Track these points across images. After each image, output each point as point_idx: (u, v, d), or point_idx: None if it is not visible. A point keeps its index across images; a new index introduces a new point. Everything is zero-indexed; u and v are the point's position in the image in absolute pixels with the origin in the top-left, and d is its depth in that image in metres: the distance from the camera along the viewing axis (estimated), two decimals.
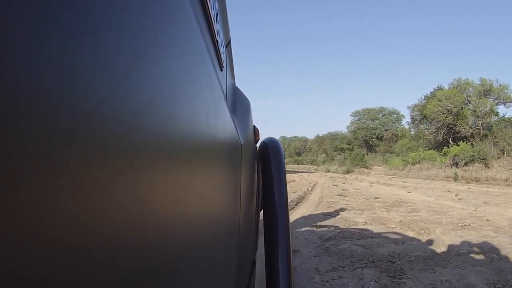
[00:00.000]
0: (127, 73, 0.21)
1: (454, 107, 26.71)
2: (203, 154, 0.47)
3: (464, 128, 26.59)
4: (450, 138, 28.35)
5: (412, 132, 35.69)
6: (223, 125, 0.68)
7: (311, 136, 64.18)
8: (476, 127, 26.60)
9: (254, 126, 1.48)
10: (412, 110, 33.23)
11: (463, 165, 22.75)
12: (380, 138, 42.81)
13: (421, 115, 31.22)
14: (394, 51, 69.48)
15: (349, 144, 44.23)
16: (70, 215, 0.16)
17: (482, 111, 26.82)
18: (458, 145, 24.50)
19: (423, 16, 64.50)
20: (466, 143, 24.69)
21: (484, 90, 27.69)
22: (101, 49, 0.18)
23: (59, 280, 0.15)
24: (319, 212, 7.30)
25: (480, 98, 27.04)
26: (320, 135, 54.87)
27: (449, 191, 12.79)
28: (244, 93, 1.47)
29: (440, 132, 28.69)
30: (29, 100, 0.13)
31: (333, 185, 15.18)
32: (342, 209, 7.61)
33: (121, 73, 0.21)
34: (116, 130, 0.20)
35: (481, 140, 25.74)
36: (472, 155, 22.09)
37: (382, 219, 6.34)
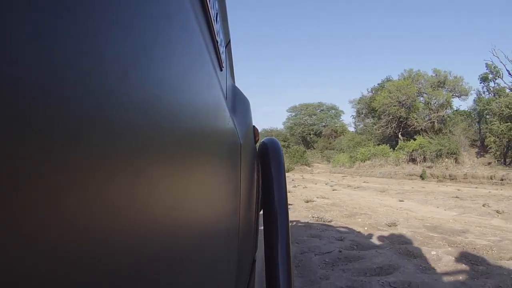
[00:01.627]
0: (127, 73, 0.21)
1: (408, 99, 22.88)
2: (203, 154, 0.47)
3: (417, 122, 22.83)
4: (400, 133, 24.48)
5: (352, 128, 31.88)
6: (223, 125, 0.68)
7: None
8: (430, 120, 22.83)
9: (254, 126, 1.44)
10: (358, 102, 29.22)
11: (422, 161, 18.59)
12: (318, 134, 40.51)
13: (368, 108, 27.14)
14: (331, 51, 66.42)
15: (285, 141, 40.45)
16: (69, 215, 0.16)
17: (436, 104, 25.39)
18: (414, 139, 20.54)
19: (359, 18, 62.18)
20: (423, 137, 21.47)
21: (438, 81, 26.11)
22: (100, 49, 0.18)
23: (59, 281, 0.15)
24: None
25: (435, 89, 25.42)
26: None
27: (457, 197, 9.60)
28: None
29: (390, 126, 24.68)
30: (29, 99, 0.13)
31: None
32: None
33: (120, 73, 0.21)
34: (115, 130, 0.20)
35: (436, 134, 23.50)
36: (440, 150, 17.82)
37: None
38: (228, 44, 1.14)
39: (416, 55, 51.22)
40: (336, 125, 39.90)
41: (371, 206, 7.67)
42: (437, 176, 16.53)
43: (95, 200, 0.17)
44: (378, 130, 27.81)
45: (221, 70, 0.80)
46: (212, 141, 0.54)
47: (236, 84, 1.50)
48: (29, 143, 0.13)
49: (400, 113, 25.89)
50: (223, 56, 0.86)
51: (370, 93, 30.19)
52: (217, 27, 0.72)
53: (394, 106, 25.93)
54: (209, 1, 0.59)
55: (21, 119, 0.13)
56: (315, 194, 10.15)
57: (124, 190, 0.21)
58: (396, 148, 24.06)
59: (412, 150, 21.12)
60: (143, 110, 0.24)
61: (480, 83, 23.52)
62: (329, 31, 67.16)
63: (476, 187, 13.07)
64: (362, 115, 31.69)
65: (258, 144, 1.46)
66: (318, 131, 40.77)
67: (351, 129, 35.69)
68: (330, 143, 36.52)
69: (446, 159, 18.17)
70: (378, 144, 26.29)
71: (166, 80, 0.30)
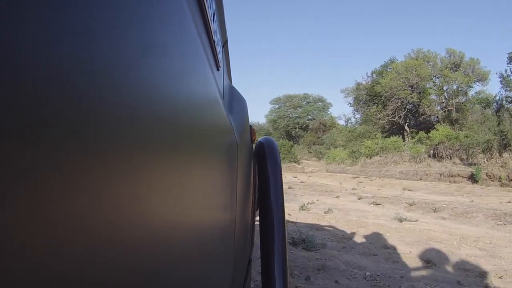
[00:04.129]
0: (124, 73, 0.21)
1: (421, 81, 17.42)
2: (200, 154, 0.46)
3: (430, 110, 17.42)
4: (406, 124, 19.07)
5: (343, 122, 26.65)
6: (220, 124, 0.68)
7: None
8: (447, 108, 17.58)
9: (251, 126, 1.42)
10: (356, 89, 23.49)
11: (449, 157, 13.19)
12: (304, 128, 37.89)
13: (370, 94, 21.58)
14: (315, 45, 60.79)
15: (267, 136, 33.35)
16: (68, 215, 0.15)
17: (451, 89, 21.04)
18: (436, 130, 15.20)
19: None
20: (443, 125, 18.69)
21: (453, 63, 21.47)
22: (97, 49, 0.18)
23: (59, 280, 0.15)
24: None
25: (451, 72, 20.94)
26: None
27: None
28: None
29: (398, 115, 19.11)
30: (29, 99, 0.13)
31: None
32: None
33: (117, 73, 0.21)
34: (112, 130, 0.20)
35: (452, 125, 19.39)
36: (489, 141, 12.26)
37: None
38: (225, 44, 1.10)
39: (418, 39, 45.27)
40: (324, 118, 36.02)
41: None
42: (498, 178, 11.00)
43: (91, 200, 0.17)
44: (383, 119, 23.34)
45: (218, 70, 0.79)
46: (208, 140, 0.54)
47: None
48: (29, 143, 0.13)
49: (411, 98, 21.81)
50: (220, 56, 0.85)
51: (370, 77, 24.83)
52: (214, 27, 0.72)
53: (404, 90, 21.83)
54: (206, 1, 0.59)
55: (20, 118, 0.12)
56: (412, 262, 3.92)
57: (120, 190, 0.20)
58: (413, 141, 19.78)
59: (438, 143, 15.62)
60: (139, 110, 0.24)
61: (508, 63, 18.23)
62: (312, 26, 61.75)
63: None
64: (361, 103, 25.97)
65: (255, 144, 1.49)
66: (304, 125, 37.71)
67: (341, 122, 30.26)
68: (318, 138, 33.01)
69: (506, 154, 12.65)
70: (388, 136, 21.42)
71: (163, 80, 0.29)
